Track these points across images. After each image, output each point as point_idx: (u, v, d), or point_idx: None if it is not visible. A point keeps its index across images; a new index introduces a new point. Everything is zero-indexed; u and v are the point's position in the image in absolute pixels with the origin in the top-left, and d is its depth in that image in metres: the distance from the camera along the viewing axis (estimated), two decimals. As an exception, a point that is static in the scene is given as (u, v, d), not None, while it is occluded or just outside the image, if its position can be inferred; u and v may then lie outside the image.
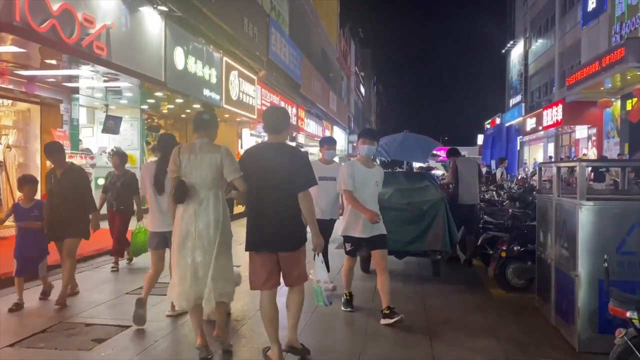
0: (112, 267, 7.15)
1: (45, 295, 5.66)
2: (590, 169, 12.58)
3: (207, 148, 3.95)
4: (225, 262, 4.00)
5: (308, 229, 3.98)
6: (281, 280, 4.01)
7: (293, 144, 23.10)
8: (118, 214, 7.28)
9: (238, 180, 3.85)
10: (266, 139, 4.22)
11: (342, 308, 5.29)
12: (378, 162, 10.66)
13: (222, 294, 3.95)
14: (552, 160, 24.48)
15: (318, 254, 3.97)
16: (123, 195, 7.21)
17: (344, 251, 5.36)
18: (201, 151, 3.93)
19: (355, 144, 46.75)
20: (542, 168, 6.43)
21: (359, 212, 4.93)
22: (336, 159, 6.85)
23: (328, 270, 4.50)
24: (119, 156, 7.47)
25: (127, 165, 12.61)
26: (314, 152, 35.71)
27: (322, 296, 4.03)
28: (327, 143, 6.52)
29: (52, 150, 5.66)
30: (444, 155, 34.30)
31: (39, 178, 9.97)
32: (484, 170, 31.70)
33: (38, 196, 6.29)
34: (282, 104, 20.97)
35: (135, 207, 7.39)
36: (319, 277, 4.02)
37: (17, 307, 5.19)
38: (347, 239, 5.16)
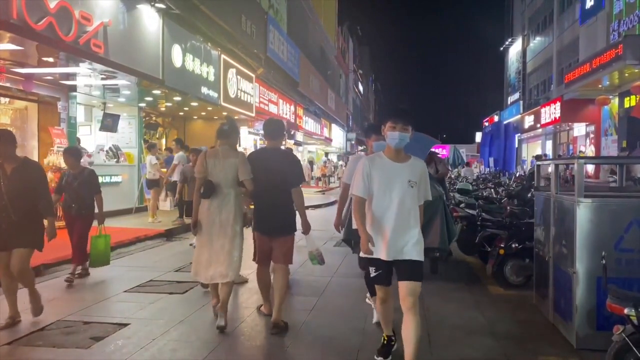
0: (67, 278, 6.21)
1: None
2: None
3: (228, 153, 4.74)
4: (239, 246, 4.74)
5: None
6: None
7: (292, 141, 23.14)
8: (77, 216, 6.38)
9: (248, 181, 4.64)
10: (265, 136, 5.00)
11: (375, 357, 3.98)
12: None
13: (229, 275, 4.66)
14: (547, 157, 24.51)
15: (307, 235, 4.95)
16: (82, 195, 6.36)
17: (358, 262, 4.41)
18: (223, 156, 4.72)
19: (353, 142, 46.69)
20: (540, 165, 6.42)
21: (379, 226, 3.64)
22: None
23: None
24: (70, 154, 6.51)
25: (124, 163, 12.82)
26: (312, 149, 35.79)
27: (316, 259, 5.07)
28: (375, 132, 4.96)
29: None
30: (444, 153, 34.45)
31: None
32: (479, 168, 31.56)
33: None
34: (280, 102, 20.99)
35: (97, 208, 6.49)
36: (312, 247, 5.06)
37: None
38: (370, 261, 3.76)
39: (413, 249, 3.60)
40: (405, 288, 3.57)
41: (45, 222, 4.89)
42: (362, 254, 3.69)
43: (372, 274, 3.74)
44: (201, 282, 5.50)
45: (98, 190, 6.44)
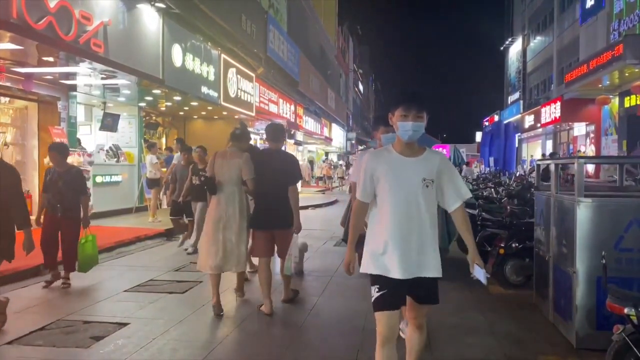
0: (63, 284, 6.03)
1: None
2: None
3: (234, 155, 5.15)
4: (244, 240, 5.14)
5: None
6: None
7: (292, 141, 23.14)
8: (64, 219, 5.98)
9: (250, 181, 5.04)
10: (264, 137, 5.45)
11: None
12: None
13: (237, 267, 5.16)
14: (546, 156, 24.50)
15: (297, 234, 5.24)
16: (68, 196, 5.97)
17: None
18: (230, 157, 5.15)
19: (353, 142, 46.62)
20: (540, 165, 6.42)
21: (389, 237, 2.91)
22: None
23: None
24: (57, 151, 6.11)
25: (124, 162, 12.82)
26: (312, 149, 35.77)
27: (289, 268, 5.27)
28: (384, 123, 4.29)
29: None
30: (444, 153, 34.41)
31: (36, 176, 10.04)
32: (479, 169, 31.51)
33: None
34: (281, 102, 20.98)
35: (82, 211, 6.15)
36: (291, 251, 5.24)
37: None
38: (375, 279, 2.98)
39: (433, 264, 2.96)
40: (419, 310, 3.12)
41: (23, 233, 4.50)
42: (363, 269, 3.05)
43: (375, 295, 2.94)
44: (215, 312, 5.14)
45: (84, 192, 6.10)
